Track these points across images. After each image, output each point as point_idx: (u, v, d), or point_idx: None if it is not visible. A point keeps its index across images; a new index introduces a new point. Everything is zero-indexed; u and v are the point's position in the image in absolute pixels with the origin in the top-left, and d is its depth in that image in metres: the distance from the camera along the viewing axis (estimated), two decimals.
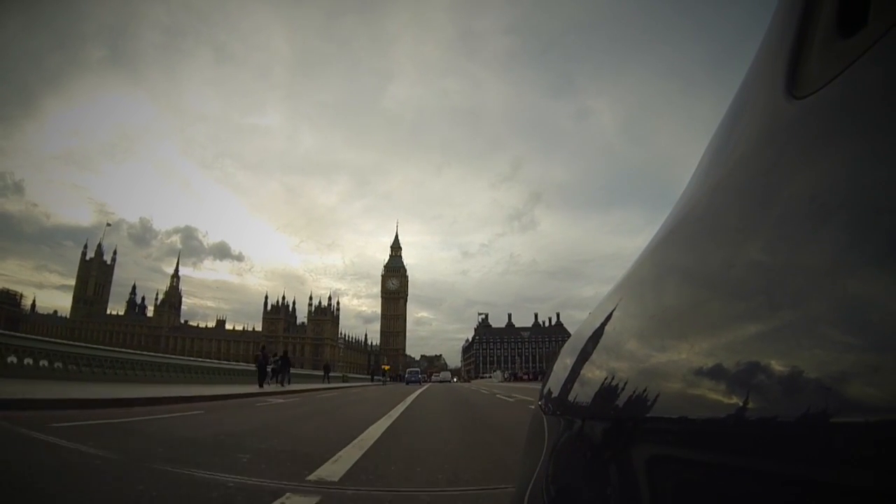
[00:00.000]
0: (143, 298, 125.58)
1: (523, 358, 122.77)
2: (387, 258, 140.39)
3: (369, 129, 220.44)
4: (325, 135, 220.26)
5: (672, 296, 0.39)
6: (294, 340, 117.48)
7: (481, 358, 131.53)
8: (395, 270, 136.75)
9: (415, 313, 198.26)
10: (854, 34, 0.28)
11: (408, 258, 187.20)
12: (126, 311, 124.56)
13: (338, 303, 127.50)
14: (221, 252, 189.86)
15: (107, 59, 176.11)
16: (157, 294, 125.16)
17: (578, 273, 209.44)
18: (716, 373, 0.25)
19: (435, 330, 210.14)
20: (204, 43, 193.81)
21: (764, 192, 0.30)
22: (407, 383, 48.10)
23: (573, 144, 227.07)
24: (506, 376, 78.00)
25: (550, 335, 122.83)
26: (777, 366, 0.21)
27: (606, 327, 0.48)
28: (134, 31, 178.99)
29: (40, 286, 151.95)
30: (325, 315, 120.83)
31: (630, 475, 0.32)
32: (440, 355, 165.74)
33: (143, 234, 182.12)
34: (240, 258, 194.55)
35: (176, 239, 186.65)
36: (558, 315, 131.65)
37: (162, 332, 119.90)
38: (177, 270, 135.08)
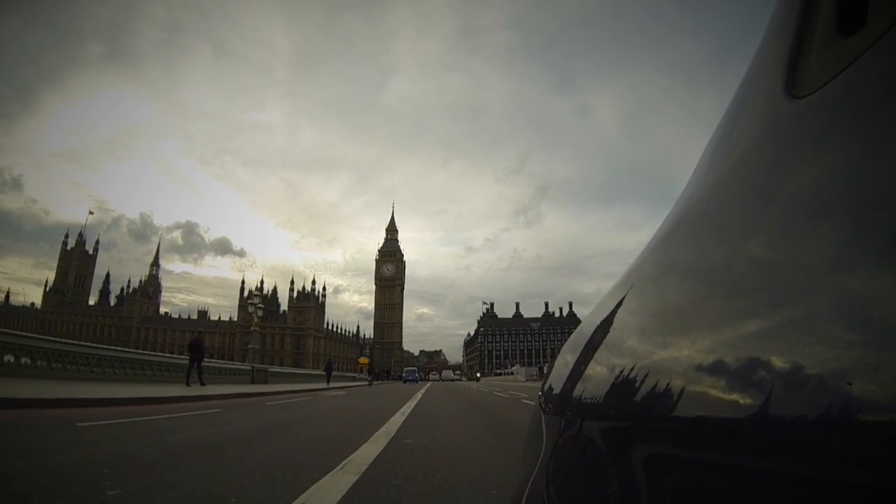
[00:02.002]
0: (123, 289, 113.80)
1: (533, 352, 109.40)
2: (381, 242, 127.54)
3: (370, 124, 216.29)
4: (326, 131, 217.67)
5: (674, 293, 0.38)
6: (273, 331, 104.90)
7: (486, 352, 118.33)
8: (390, 255, 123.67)
9: (415, 309, 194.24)
10: (853, 34, 0.28)
11: (409, 254, 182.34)
12: (98, 302, 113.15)
13: (324, 288, 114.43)
14: (223, 248, 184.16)
15: (106, 57, 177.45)
16: (128, 281, 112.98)
17: (580, 269, 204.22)
18: (718, 371, 0.25)
19: (436, 326, 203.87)
20: (203, 39, 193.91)
21: (764, 190, 0.31)
22: (404, 382, 44.97)
23: (575, 141, 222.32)
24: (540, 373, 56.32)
25: (562, 326, 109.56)
26: (780, 364, 0.21)
27: (608, 324, 0.48)
28: (133, 28, 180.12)
29: (39, 283, 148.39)
30: (309, 302, 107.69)
31: (630, 475, 0.31)
32: (440, 351, 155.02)
33: (143, 230, 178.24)
34: (241, 254, 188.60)
35: (177, 235, 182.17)
36: (570, 305, 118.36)
37: (133, 323, 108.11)
38: (157, 259, 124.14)
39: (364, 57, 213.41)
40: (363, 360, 55.96)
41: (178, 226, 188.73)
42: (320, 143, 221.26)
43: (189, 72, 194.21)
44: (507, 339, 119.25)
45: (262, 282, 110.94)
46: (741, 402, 0.22)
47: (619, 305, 0.48)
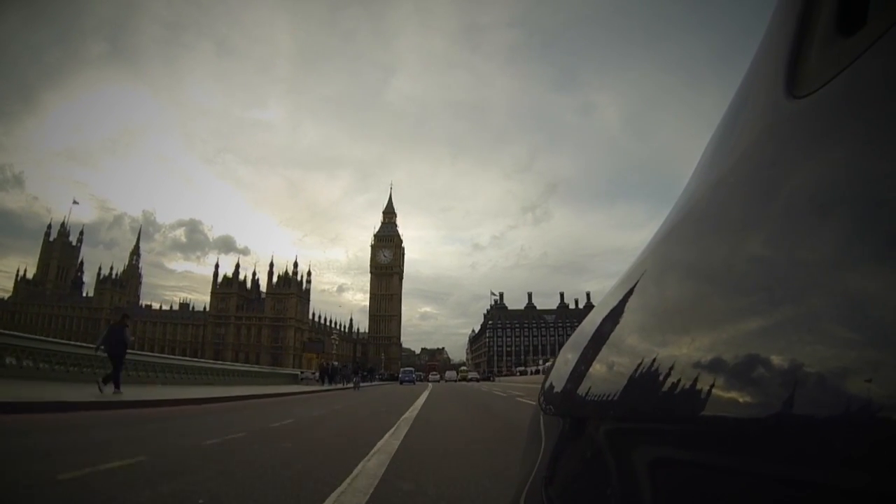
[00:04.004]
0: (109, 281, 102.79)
1: (548, 347, 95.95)
2: (378, 226, 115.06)
3: (373, 122, 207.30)
4: (328, 129, 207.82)
5: (676, 292, 0.38)
6: (249, 321, 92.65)
7: (495, 349, 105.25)
8: (387, 240, 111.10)
9: (418, 308, 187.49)
10: (854, 33, 0.28)
11: (413, 252, 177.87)
12: (70, 292, 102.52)
13: (308, 272, 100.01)
14: (226, 246, 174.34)
15: (107, 54, 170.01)
16: (99, 269, 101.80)
17: (583, 267, 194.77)
18: (721, 370, 0.25)
19: (439, 325, 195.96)
20: (205, 36, 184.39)
21: (764, 190, 0.30)
22: (401, 383, 42.66)
23: (578, 139, 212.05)
24: None
25: (580, 319, 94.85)
26: (782, 363, 0.21)
27: (610, 323, 0.48)
28: (134, 26, 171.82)
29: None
30: (289, 287, 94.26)
31: (631, 475, 0.31)
32: (442, 348, 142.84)
33: (145, 228, 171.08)
34: (245, 252, 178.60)
35: (180, 233, 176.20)
36: (588, 295, 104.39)
37: (102, 314, 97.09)
38: (137, 247, 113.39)
39: (366, 54, 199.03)
40: (310, 355, 40.07)
41: (181, 223, 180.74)
42: (322, 141, 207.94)
43: (191, 69, 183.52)
44: (517, 333, 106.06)
45: (237, 265, 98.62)
46: (744, 401, 0.22)
47: (620, 304, 0.47)
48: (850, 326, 0.18)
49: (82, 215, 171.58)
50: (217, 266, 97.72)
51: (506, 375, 66.82)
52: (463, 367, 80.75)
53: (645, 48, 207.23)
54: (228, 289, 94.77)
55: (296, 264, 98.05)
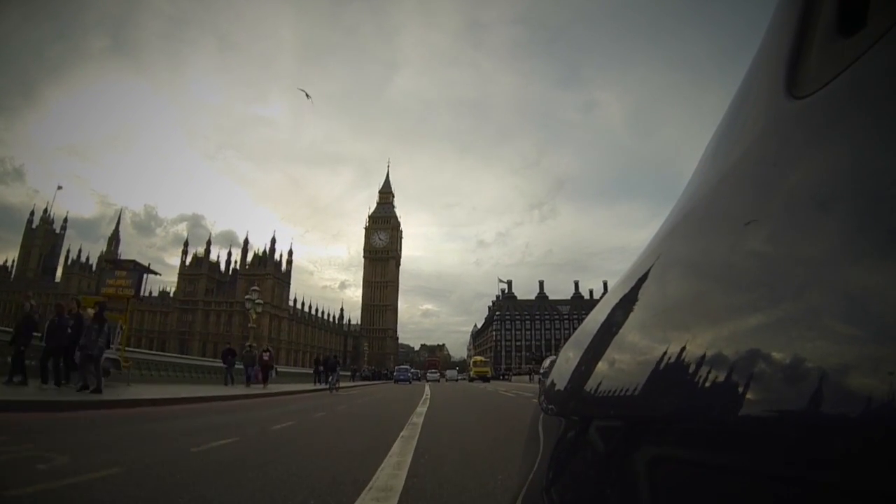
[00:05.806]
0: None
1: (562, 342, 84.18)
2: (373, 206, 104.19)
3: (375, 119, 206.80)
4: (330, 125, 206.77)
5: (678, 290, 0.38)
6: (218, 307, 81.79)
7: (502, 342, 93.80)
8: (383, 221, 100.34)
9: (419, 305, 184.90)
10: (854, 34, 0.28)
11: (415, 250, 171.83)
12: (41, 277, 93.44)
13: (290, 252, 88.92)
14: (229, 241, 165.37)
15: (109, 49, 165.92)
16: (67, 251, 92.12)
17: (585, 266, 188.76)
18: (723, 368, 0.24)
19: (440, 322, 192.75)
20: (208, 32, 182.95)
21: (765, 189, 0.31)
22: (396, 382, 40.13)
23: (582, 136, 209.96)
24: None
25: None
26: (787, 360, 0.21)
27: (612, 322, 0.47)
28: (136, 21, 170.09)
29: None
30: (265, 268, 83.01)
31: (631, 475, 0.31)
32: (443, 345, 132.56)
33: (147, 222, 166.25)
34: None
35: (182, 227, 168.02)
36: (605, 284, 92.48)
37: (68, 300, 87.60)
38: (116, 232, 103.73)
39: (369, 50, 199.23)
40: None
41: (182, 218, 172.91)
42: (325, 138, 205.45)
43: (193, 65, 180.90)
44: (528, 325, 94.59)
45: (209, 242, 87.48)
46: (747, 399, 0.22)
47: (623, 302, 0.47)
48: (853, 323, 0.18)
49: (85, 211, 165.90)
50: (186, 244, 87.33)
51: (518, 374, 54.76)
52: (478, 359, 59.01)
53: (647, 46, 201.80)
54: (197, 269, 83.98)
55: (273, 241, 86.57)
